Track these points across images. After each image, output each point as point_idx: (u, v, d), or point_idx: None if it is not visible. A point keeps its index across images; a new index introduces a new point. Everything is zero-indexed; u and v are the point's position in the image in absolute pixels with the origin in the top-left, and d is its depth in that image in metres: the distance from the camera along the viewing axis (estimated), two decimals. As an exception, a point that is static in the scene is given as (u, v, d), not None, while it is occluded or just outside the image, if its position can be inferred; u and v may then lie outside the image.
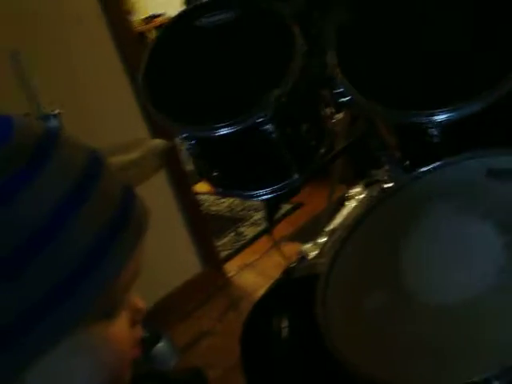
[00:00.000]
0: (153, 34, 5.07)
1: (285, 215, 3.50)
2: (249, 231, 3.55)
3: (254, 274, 3.13)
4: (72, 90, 2.59)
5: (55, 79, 2.49)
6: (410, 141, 1.33)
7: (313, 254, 1.51)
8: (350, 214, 1.60)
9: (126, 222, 0.62)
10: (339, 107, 1.58)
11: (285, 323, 1.43)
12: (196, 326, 2.79)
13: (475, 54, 1.23)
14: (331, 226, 1.61)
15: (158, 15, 5.40)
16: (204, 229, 3.16)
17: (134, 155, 1.47)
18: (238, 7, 1.54)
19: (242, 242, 3.47)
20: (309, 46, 1.46)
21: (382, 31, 1.36)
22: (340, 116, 1.63)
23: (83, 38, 2.64)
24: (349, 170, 1.99)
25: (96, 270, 0.58)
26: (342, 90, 1.32)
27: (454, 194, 1.14)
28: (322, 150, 1.54)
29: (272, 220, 1.74)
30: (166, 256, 2.88)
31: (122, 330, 0.65)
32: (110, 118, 2.69)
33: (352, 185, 1.74)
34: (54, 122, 1.42)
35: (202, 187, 2.97)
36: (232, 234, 3.59)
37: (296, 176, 1.48)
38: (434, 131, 1.20)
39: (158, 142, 1.58)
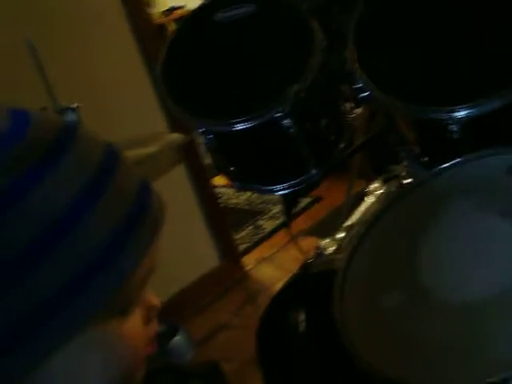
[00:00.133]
0: (172, 27, 5.06)
1: (303, 209, 3.49)
2: (267, 224, 3.55)
3: (271, 267, 3.13)
4: (91, 83, 2.60)
5: (74, 72, 2.51)
6: (429, 137, 1.33)
7: (331, 249, 1.51)
8: (368, 209, 1.60)
9: (142, 217, 0.62)
10: (359, 102, 1.57)
11: (302, 318, 1.43)
12: (213, 320, 2.80)
13: (496, 50, 1.22)
14: (349, 222, 1.61)
15: (178, 7, 5.39)
16: (222, 222, 3.16)
17: (151, 149, 1.47)
18: (257, 2, 1.53)
19: (261, 235, 3.47)
20: (328, 41, 1.46)
21: (401, 26, 1.35)
22: (359, 111, 1.63)
23: (103, 30, 2.64)
24: (367, 165, 1.98)
25: (111, 265, 0.58)
26: (361, 85, 1.31)
27: (474, 190, 1.13)
28: (341, 145, 1.54)
29: (290, 214, 1.74)
30: (184, 249, 2.89)
31: (136, 327, 0.64)
32: (128, 112, 2.70)
33: (371, 180, 1.74)
34: (72, 116, 1.42)
35: (220, 180, 2.98)
36: (250, 227, 3.59)
37: (314, 171, 1.48)
38: (454, 127, 1.19)
39: (176, 136, 1.58)
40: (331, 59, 1.46)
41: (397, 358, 0.92)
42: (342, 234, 1.55)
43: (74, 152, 0.59)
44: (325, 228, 2.63)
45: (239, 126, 1.39)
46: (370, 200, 1.65)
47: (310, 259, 1.51)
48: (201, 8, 1.62)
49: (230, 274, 3.09)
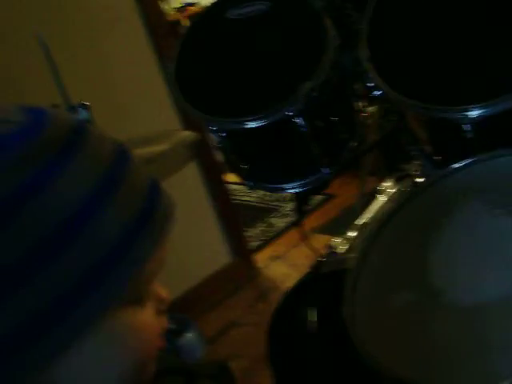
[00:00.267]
0: (186, 23, 5.06)
1: (316, 207, 3.49)
2: (279, 222, 3.55)
3: (283, 265, 3.13)
4: (104, 81, 2.60)
5: (87, 69, 2.51)
6: (441, 136, 1.32)
7: (342, 248, 1.51)
8: (380, 208, 1.59)
9: (152, 213, 0.63)
10: (371, 101, 1.57)
11: (312, 317, 1.42)
12: (225, 317, 2.80)
13: (510, 50, 1.21)
14: (362, 220, 1.60)
15: (192, 4, 5.38)
16: (234, 219, 3.16)
17: (163, 147, 1.47)
18: (270, -1, 1.53)
19: (273, 232, 3.47)
20: (341, 39, 1.45)
21: (414, 25, 1.34)
22: (372, 109, 1.62)
23: (116, 28, 2.65)
24: (380, 163, 1.97)
25: (124, 261, 0.59)
26: (373, 83, 1.30)
27: (487, 190, 1.12)
28: (353, 144, 1.53)
29: (301, 212, 1.74)
30: (196, 246, 2.90)
31: (149, 319, 0.66)
32: (141, 109, 2.70)
33: (383, 178, 1.73)
34: (83, 114, 1.42)
35: (233, 177, 2.97)
36: (262, 224, 3.59)
37: (326, 169, 1.47)
38: (467, 127, 1.18)
39: (188, 134, 1.58)
40: (344, 57, 1.46)
41: (406, 358, 0.92)
42: (353, 233, 1.54)
43: (87, 149, 0.60)
44: (337, 226, 2.62)
45: (251, 124, 1.39)
46: (382, 198, 1.64)
47: (321, 258, 1.50)
48: (213, 5, 1.62)
49: (241, 271, 3.09)
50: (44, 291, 0.55)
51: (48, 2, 2.45)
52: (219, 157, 2.65)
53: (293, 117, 1.39)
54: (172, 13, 5.24)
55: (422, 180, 1.45)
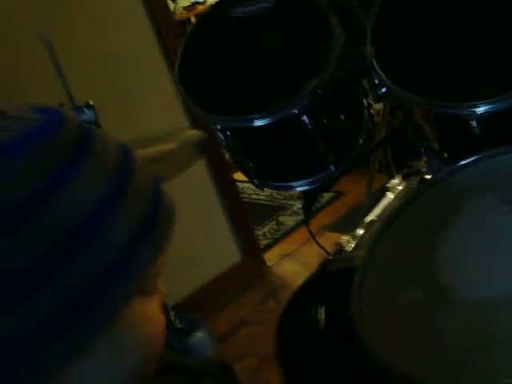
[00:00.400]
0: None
1: (325, 204, 3.49)
2: (289, 220, 3.55)
3: (293, 263, 3.13)
4: (112, 80, 2.60)
5: (93, 69, 2.51)
6: (448, 133, 1.31)
7: (351, 246, 1.50)
8: (388, 206, 1.59)
9: (156, 218, 0.63)
10: (379, 98, 1.56)
11: (321, 315, 1.42)
12: (235, 315, 2.80)
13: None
14: (370, 217, 1.60)
15: (200, 3, 5.39)
16: (244, 217, 3.16)
17: (170, 146, 1.47)
18: (275, -4, 1.53)
19: (283, 231, 3.47)
20: (347, 36, 1.45)
21: (420, 21, 1.34)
22: (379, 107, 1.62)
23: (123, 27, 2.65)
24: (389, 160, 1.97)
25: (131, 263, 0.59)
26: (379, 81, 1.30)
27: (494, 187, 1.11)
28: (360, 141, 1.53)
29: (309, 211, 1.73)
30: (205, 245, 2.90)
31: (155, 310, 0.66)
32: (149, 108, 2.70)
33: (392, 175, 1.73)
34: (89, 114, 1.42)
35: (242, 175, 2.97)
36: (272, 222, 3.59)
37: (333, 167, 1.47)
38: (474, 123, 1.18)
39: (195, 133, 1.57)
40: (350, 54, 1.45)
41: (414, 355, 0.92)
42: (362, 231, 1.54)
43: (97, 152, 0.60)
44: (346, 223, 2.62)
45: (257, 123, 1.39)
46: (391, 196, 1.64)
47: (329, 256, 1.50)
48: (218, 3, 1.62)
49: (251, 269, 3.09)
50: (57, 296, 0.55)
51: (53, 1, 2.45)
52: (228, 155, 2.65)
53: (299, 115, 1.39)
54: (179, 12, 5.24)
55: (429, 177, 1.45)
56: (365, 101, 1.55)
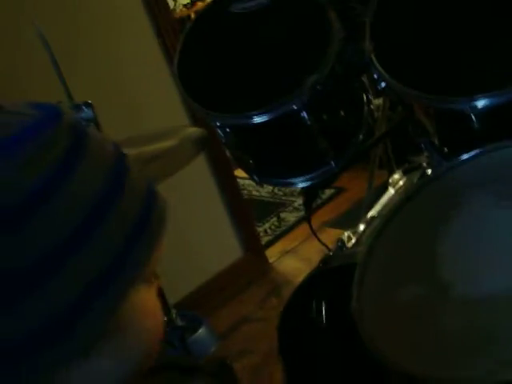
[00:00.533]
0: (195, 19, 5.05)
1: (326, 201, 3.48)
2: (290, 216, 3.54)
3: (295, 259, 3.12)
4: (111, 78, 2.60)
5: (93, 67, 2.51)
6: (448, 127, 1.31)
7: (352, 242, 1.50)
8: (388, 201, 1.58)
9: (150, 218, 0.63)
10: (378, 93, 1.56)
11: (322, 311, 1.42)
12: (237, 312, 2.80)
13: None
14: (371, 214, 1.59)
15: (200, 0, 5.38)
16: (245, 214, 3.16)
17: (170, 143, 1.47)
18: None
19: (284, 227, 3.47)
20: (346, 32, 1.44)
21: (419, 16, 1.34)
22: (379, 102, 1.61)
23: (123, 26, 2.64)
24: (389, 155, 1.97)
25: (127, 260, 0.59)
26: (378, 76, 1.30)
27: (494, 182, 1.11)
28: (360, 137, 1.52)
29: (310, 207, 1.73)
30: (207, 242, 2.90)
31: (153, 302, 0.66)
32: (149, 106, 2.70)
33: (393, 171, 1.72)
34: (87, 112, 1.42)
35: (242, 172, 2.97)
36: (273, 219, 3.59)
37: (333, 163, 1.47)
38: (473, 118, 1.17)
39: (195, 130, 1.57)
40: (349, 49, 1.45)
41: (414, 352, 0.91)
42: (363, 227, 1.54)
43: (93, 151, 0.60)
44: (347, 220, 2.62)
45: (256, 119, 1.39)
46: (392, 191, 1.64)
47: (330, 252, 1.50)
48: (216, 0, 1.62)
49: (253, 266, 3.08)
50: (56, 295, 0.55)
51: (54, 3, 2.44)
52: (228, 152, 2.64)
53: (298, 111, 1.38)
54: (179, 9, 5.23)
55: (429, 172, 1.44)
56: (364, 96, 1.55)
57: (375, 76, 1.31)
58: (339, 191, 3.53)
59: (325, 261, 1.46)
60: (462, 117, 1.19)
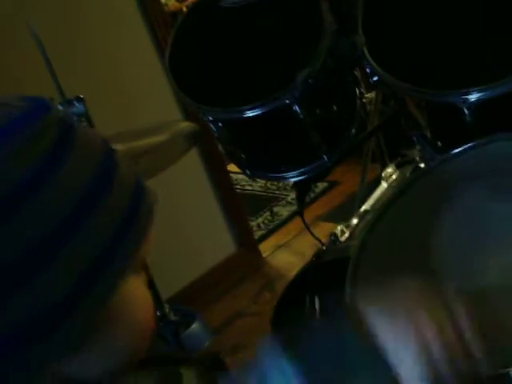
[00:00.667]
0: (187, 13, 5.04)
1: (320, 194, 3.48)
2: (284, 211, 3.54)
3: (289, 253, 3.12)
4: (102, 73, 2.59)
5: (84, 62, 2.50)
6: (441, 121, 1.31)
7: (345, 236, 1.50)
8: (381, 195, 1.58)
9: (138, 212, 0.63)
10: (370, 87, 1.55)
11: (315, 305, 1.42)
12: (230, 307, 2.80)
13: (509, 33, 1.20)
14: (364, 208, 1.59)
15: (193, -7, 5.37)
16: (238, 209, 3.15)
17: (162, 137, 1.47)
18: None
19: (277, 221, 3.46)
20: (339, 25, 1.44)
21: (411, 9, 1.33)
22: (371, 95, 1.61)
23: (114, 20, 2.63)
24: (382, 149, 1.97)
25: (117, 252, 0.59)
26: (371, 69, 1.29)
27: (487, 175, 1.11)
28: (353, 131, 1.52)
29: (303, 201, 1.73)
30: (200, 236, 2.90)
31: (143, 292, 0.66)
32: (141, 100, 2.69)
33: (385, 164, 1.72)
34: (79, 107, 1.41)
35: (235, 166, 2.97)
36: (267, 213, 3.58)
37: (326, 157, 1.46)
38: (466, 111, 1.17)
39: (187, 124, 1.57)
40: (341, 43, 1.44)
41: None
42: (356, 220, 1.54)
43: (81, 144, 0.60)
44: (341, 213, 2.62)
45: (248, 114, 1.38)
46: (385, 185, 1.64)
47: (323, 246, 1.50)
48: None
49: (246, 260, 3.08)
50: (45, 290, 0.55)
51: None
52: (220, 147, 2.64)
53: (290, 105, 1.38)
54: (171, 3, 5.22)
55: (422, 165, 1.44)
56: (357, 90, 1.55)
57: (367, 69, 1.31)
58: (332, 185, 3.52)
59: (318, 255, 1.46)
60: (455, 110, 1.19)
